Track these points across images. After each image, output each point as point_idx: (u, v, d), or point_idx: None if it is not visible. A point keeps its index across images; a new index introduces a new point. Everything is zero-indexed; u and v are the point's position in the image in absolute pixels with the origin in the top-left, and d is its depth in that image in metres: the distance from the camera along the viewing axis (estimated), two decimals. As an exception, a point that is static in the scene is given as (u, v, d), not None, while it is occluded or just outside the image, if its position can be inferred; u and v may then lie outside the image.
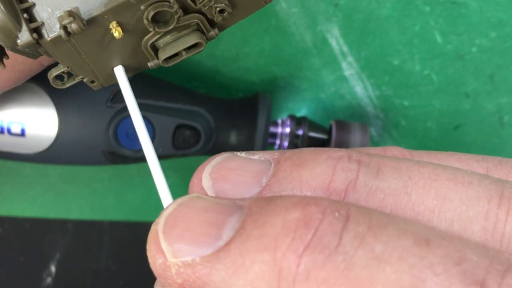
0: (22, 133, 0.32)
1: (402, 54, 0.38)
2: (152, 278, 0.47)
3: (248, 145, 0.34)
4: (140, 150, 0.33)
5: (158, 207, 0.45)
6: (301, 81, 0.39)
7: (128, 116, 0.32)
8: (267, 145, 0.35)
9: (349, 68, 0.39)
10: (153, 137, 0.33)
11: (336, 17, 0.38)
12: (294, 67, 0.39)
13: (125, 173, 0.41)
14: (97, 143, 0.33)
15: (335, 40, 0.38)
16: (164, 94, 0.34)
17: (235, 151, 0.34)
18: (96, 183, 0.41)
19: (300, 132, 0.35)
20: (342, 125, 0.36)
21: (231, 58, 0.39)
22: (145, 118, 0.32)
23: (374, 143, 0.40)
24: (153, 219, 0.45)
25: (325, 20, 0.38)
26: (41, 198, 0.41)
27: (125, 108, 0.32)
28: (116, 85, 0.32)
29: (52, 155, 0.33)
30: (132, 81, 0.33)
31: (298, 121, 0.36)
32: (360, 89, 0.39)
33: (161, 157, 0.34)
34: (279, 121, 0.36)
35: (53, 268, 0.43)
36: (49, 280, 0.43)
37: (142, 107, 0.32)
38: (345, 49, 0.38)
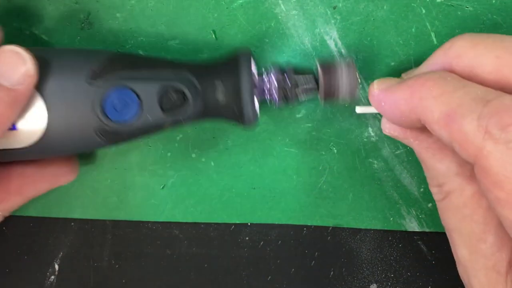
0: (14, 128, 0.32)
1: (399, 56, 0.39)
2: (153, 276, 0.47)
3: (235, 99, 0.34)
4: (130, 121, 0.33)
5: (159, 207, 0.45)
6: (300, 82, 0.39)
7: (111, 88, 0.32)
8: (253, 95, 0.34)
9: (347, 70, 0.39)
10: (140, 106, 0.32)
11: (334, 19, 0.38)
12: (293, 69, 0.39)
13: (127, 174, 0.41)
14: (87, 122, 0.32)
15: (334, 41, 0.39)
16: (145, 64, 0.34)
17: (224, 108, 0.34)
18: (98, 183, 0.41)
19: (287, 78, 0.35)
20: (327, 63, 0.35)
21: (231, 60, 0.39)
22: (128, 87, 0.32)
23: (372, 143, 0.40)
24: (154, 219, 0.46)
25: (324, 22, 0.38)
26: (44, 198, 0.42)
27: (107, 82, 0.32)
28: (95, 62, 0.32)
29: (46, 144, 0.33)
30: (113, 58, 0.33)
31: (282, 69, 0.35)
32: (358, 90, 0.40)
33: (153, 127, 0.33)
34: (264, 71, 0.35)
35: (56, 266, 0.43)
36: (52, 278, 0.43)
37: (124, 78, 0.32)
38: (343, 51, 0.39)
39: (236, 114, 0.34)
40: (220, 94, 0.34)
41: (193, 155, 0.41)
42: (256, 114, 0.35)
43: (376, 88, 0.32)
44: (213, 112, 0.35)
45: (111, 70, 0.33)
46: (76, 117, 0.32)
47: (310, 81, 0.35)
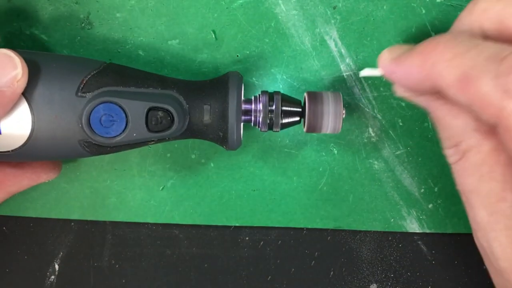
0: None
1: (399, 56, 0.39)
2: (153, 276, 0.47)
3: (221, 123, 0.34)
4: (114, 136, 0.33)
5: (158, 209, 0.45)
6: (300, 83, 0.39)
7: (99, 103, 0.32)
8: (240, 122, 0.35)
9: (347, 69, 0.39)
10: (126, 123, 0.33)
11: (334, 19, 0.38)
12: (293, 69, 0.39)
13: (126, 174, 0.41)
14: (72, 133, 0.33)
15: (334, 41, 0.39)
16: (134, 80, 0.34)
17: (210, 130, 0.34)
18: (97, 183, 0.41)
19: (274, 106, 0.35)
20: (315, 96, 0.35)
21: (232, 60, 0.39)
22: (116, 104, 0.32)
23: (372, 144, 0.40)
24: (154, 221, 0.46)
25: (324, 22, 0.38)
26: (43, 199, 0.42)
27: (96, 96, 0.32)
28: (85, 74, 0.32)
29: (29, 150, 0.33)
30: (102, 71, 0.33)
31: (271, 96, 0.35)
32: (358, 90, 0.39)
33: (137, 142, 0.33)
34: (253, 98, 0.36)
35: (56, 266, 0.43)
36: (52, 278, 0.43)
37: (112, 93, 0.32)
38: (343, 50, 0.39)
39: (221, 139, 0.35)
40: (207, 118, 0.34)
41: (193, 156, 0.41)
42: (240, 140, 0.35)
43: (386, 58, 0.31)
44: (198, 133, 0.35)
45: (101, 83, 0.33)
46: (61, 127, 0.32)
47: (295, 113, 0.36)
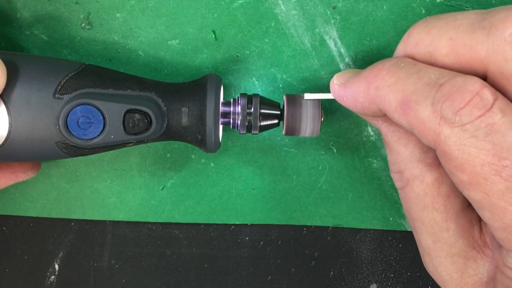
0: None
1: (399, 56, 0.39)
2: (152, 277, 0.47)
3: (200, 126, 0.34)
4: (92, 138, 0.33)
5: (158, 208, 0.45)
6: (300, 82, 0.39)
7: (77, 105, 0.32)
8: (219, 124, 0.35)
9: (347, 69, 0.39)
10: (103, 125, 0.33)
11: (334, 19, 0.38)
12: (293, 69, 0.39)
13: (127, 174, 0.41)
14: (50, 135, 0.32)
15: (333, 41, 0.39)
16: (112, 82, 0.34)
17: (188, 133, 0.35)
18: (98, 183, 0.41)
19: (252, 109, 0.35)
20: (294, 99, 0.35)
21: (232, 60, 0.39)
22: (93, 106, 0.32)
23: (371, 142, 0.40)
24: (154, 220, 0.46)
25: (324, 22, 0.38)
26: (43, 198, 0.42)
27: (73, 98, 0.32)
28: (62, 75, 0.32)
29: (7, 151, 0.33)
30: (80, 72, 0.33)
31: (249, 99, 0.35)
32: (358, 90, 0.40)
33: (115, 144, 0.33)
34: (231, 100, 0.36)
35: (56, 266, 0.43)
36: (52, 278, 0.43)
37: (90, 95, 0.32)
38: (343, 50, 0.39)
39: (199, 141, 0.35)
40: (185, 120, 0.34)
41: (193, 156, 0.41)
42: (219, 143, 0.35)
43: (336, 83, 0.32)
44: (177, 135, 0.35)
45: (79, 85, 0.33)
46: (38, 129, 0.32)
47: (274, 116, 0.36)
